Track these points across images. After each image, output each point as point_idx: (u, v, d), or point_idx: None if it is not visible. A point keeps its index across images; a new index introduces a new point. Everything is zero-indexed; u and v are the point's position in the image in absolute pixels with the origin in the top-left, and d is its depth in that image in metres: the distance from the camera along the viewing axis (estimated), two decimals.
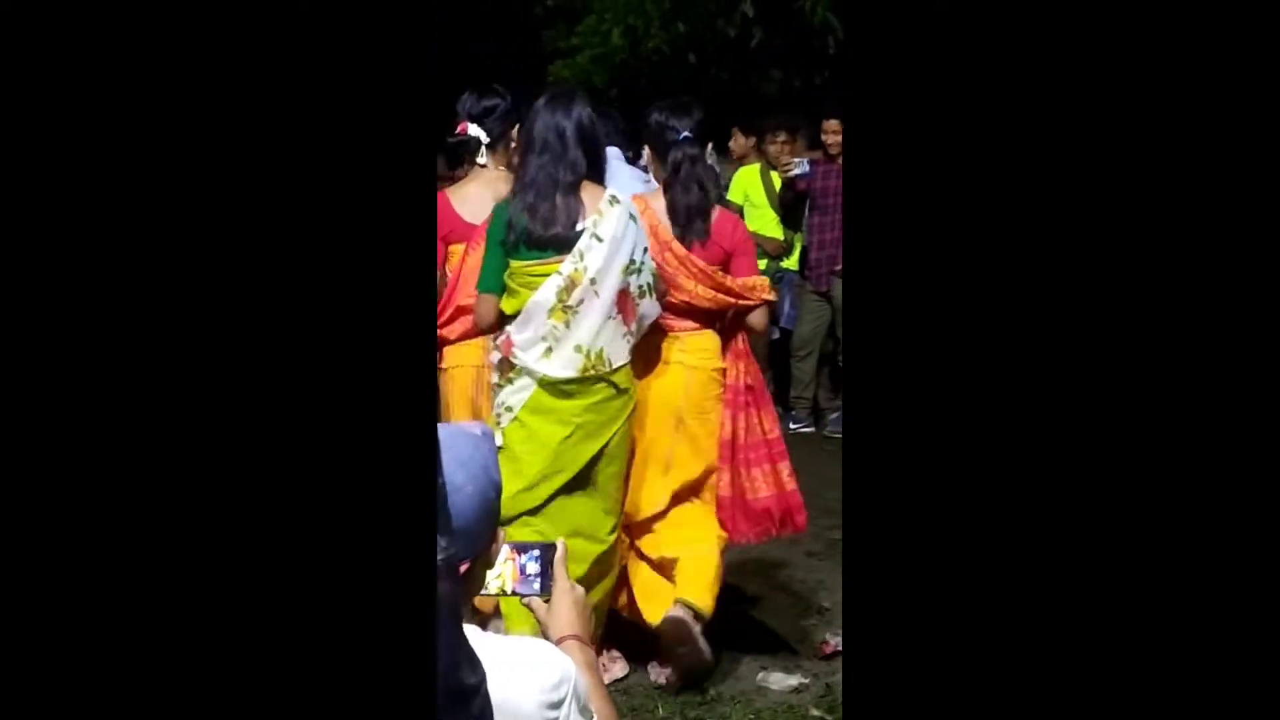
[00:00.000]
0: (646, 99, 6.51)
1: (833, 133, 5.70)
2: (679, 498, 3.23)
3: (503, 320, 2.97)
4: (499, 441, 2.83)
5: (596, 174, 2.98)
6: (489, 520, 1.38)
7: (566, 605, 1.53)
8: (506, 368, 2.95)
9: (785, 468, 3.28)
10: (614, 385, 2.95)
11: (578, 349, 2.89)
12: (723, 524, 3.24)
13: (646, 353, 3.15)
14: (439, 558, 1.06)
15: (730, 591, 3.85)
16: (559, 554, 1.55)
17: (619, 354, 2.94)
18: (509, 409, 2.95)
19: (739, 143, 6.19)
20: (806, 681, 3.19)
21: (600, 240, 2.88)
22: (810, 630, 3.54)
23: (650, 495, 3.20)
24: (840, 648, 3.30)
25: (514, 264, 2.92)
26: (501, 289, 2.96)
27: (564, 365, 2.89)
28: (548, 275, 2.88)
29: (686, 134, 3.20)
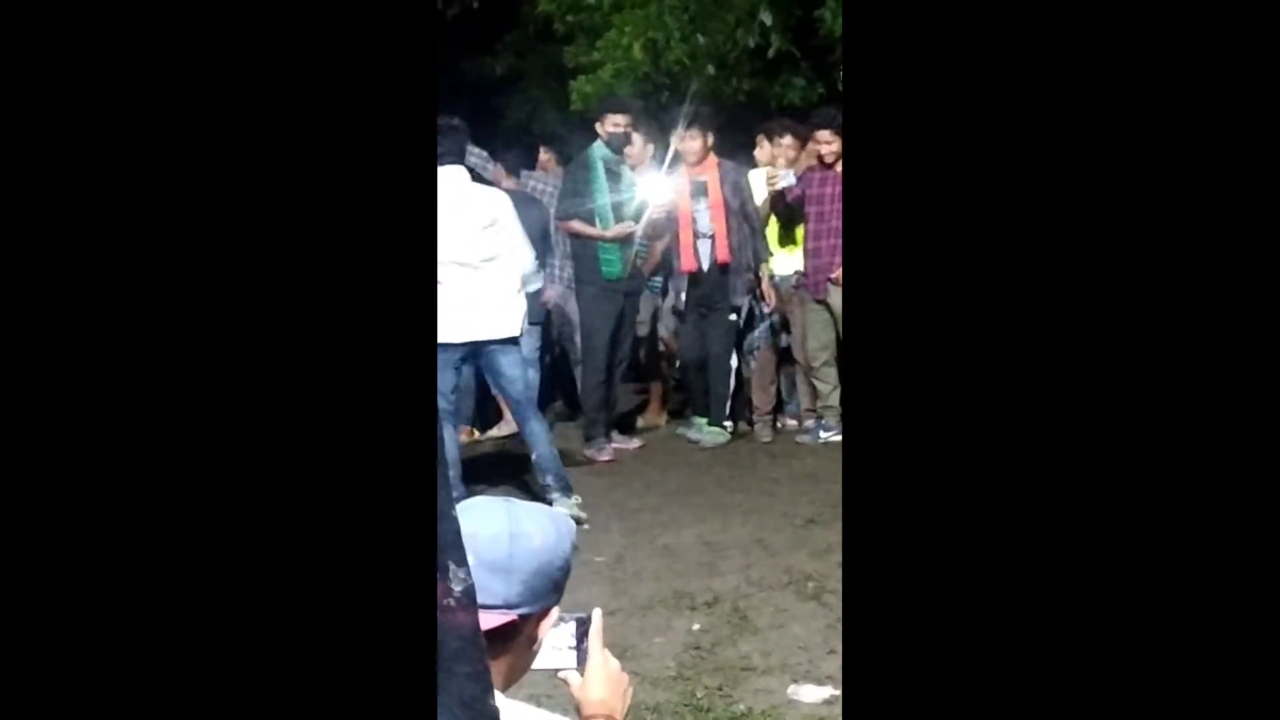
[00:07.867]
0: (668, 110, 6.61)
1: (824, 142, 5.73)
2: None
3: None
4: None
5: None
6: (546, 578, 1.38)
7: (600, 681, 1.47)
8: None
9: None
10: None
11: None
12: None
13: None
14: (456, 588, 1.06)
15: (759, 603, 3.83)
16: (595, 625, 1.49)
17: None
18: None
19: (764, 150, 6.29)
20: (838, 693, 3.14)
21: None
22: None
23: None
24: None
25: None
26: None
27: None
28: None
29: None
